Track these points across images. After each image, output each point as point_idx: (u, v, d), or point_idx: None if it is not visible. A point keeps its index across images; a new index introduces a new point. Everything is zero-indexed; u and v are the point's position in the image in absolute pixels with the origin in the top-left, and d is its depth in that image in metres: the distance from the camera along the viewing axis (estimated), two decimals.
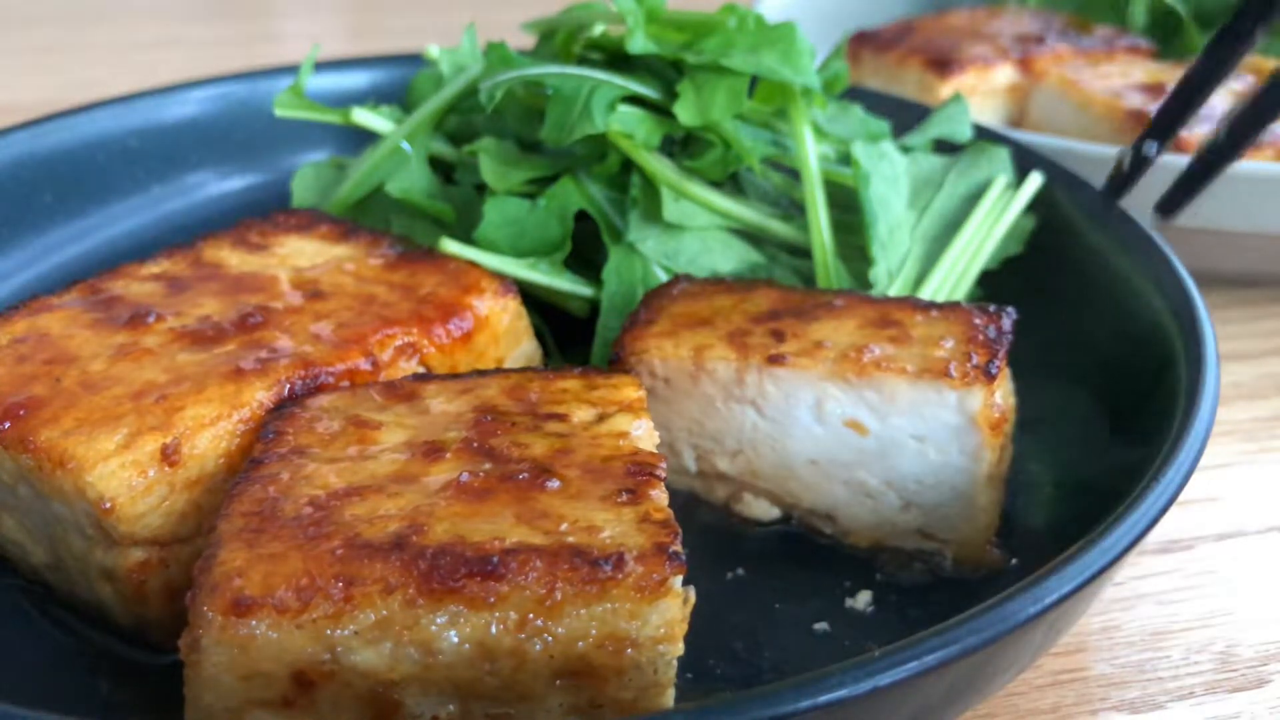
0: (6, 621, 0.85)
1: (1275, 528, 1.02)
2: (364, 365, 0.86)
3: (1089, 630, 0.91)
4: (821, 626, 0.85)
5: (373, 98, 1.31)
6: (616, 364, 0.92)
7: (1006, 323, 0.91)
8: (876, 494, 0.90)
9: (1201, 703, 0.85)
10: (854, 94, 1.30)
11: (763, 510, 0.94)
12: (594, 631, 0.65)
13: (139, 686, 0.80)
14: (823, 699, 0.59)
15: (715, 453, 0.93)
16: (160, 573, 0.78)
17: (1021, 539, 0.92)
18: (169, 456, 0.77)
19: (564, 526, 0.68)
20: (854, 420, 0.88)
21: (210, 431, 0.79)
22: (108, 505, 0.75)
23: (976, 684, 0.70)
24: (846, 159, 1.14)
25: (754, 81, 1.11)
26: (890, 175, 1.12)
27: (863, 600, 0.87)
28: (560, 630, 0.64)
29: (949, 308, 0.93)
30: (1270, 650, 0.89)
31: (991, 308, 0.93)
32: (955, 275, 1.10)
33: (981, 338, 0.89)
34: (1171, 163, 1.29)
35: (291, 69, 1.35)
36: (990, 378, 0.85)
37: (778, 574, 0.90)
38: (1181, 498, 0.77)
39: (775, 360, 0.88)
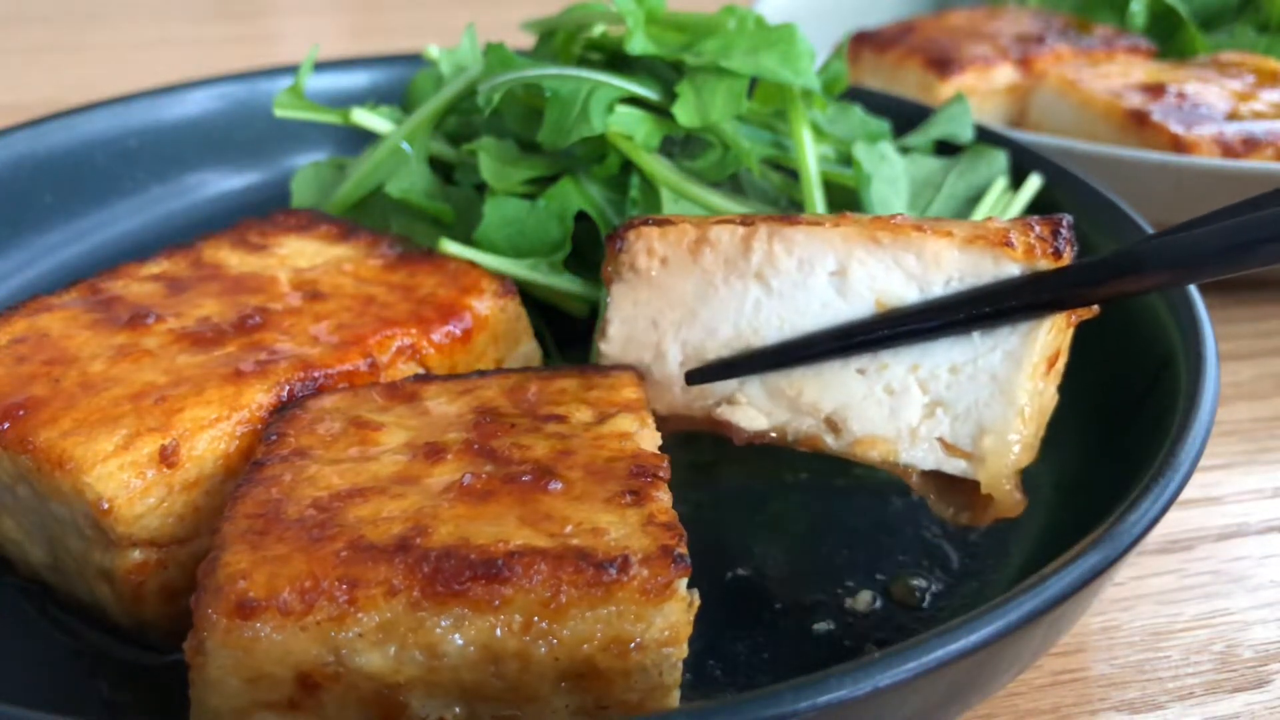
0: (5, 622, 0.85)
1: (1275, 528, 1.02)
2: (363, 366, 0.86)
3: (1089, 630, 0.91)
4: (821, 627, 0.85)
5: (372, 98, 1.31)
6: (614, 239, 0.86)
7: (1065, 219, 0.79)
8: (899, 389, 0.79)
9: (1201, 703, 0.85)
10: (855, 94, 1.30)
11: (749, 419, 0.83)
12: (599, 634, 0.65)
13: (138, 687, 0.80)
14: (822, 700, 0.59)
15: (707, 346, 0.84)
16: (158, 574, 0.78)
17: (1022, 539, 0.92)
18: (167, 458, 0.77)
19: (568, 529, 0.68)
20: (884, 291, 0.77)
21: (209, 433, 0.79)
22: (106, 506, 0.75)
23: (977, 684, 0.70)
24: (846, 159, 1.14)
25: (754, 81, 1.11)
26: (890, 176, 1.12)
27: (863, 600, 0.87)
28: (565, 633, 0.64)
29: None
30: (1270, 650, 0.89)
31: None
32: None
33: (1035, 217, 0.78)
34: (1173, 163, 1.30)
35: (291, 69, 1.35)
36: (1058, 254, 0.74)
37: (777, 575, 0.90)
38: (1181, 498, 0.77)
39: (787, 221, 0.78)
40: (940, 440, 0.79)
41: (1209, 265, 0.71)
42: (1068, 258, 0.75)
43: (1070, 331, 0.79)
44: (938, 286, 0.75)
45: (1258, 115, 1.46)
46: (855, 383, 0.79)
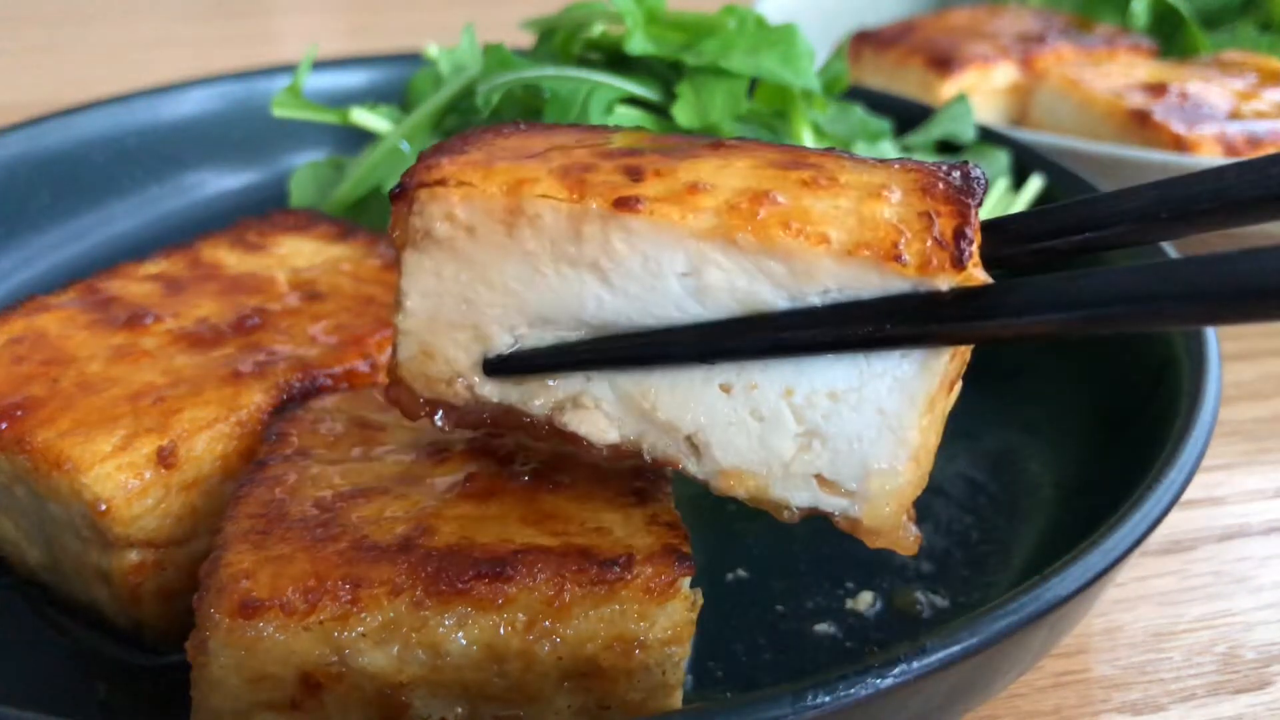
0: (3, 622, 0.84)
1: (1277, 528, 1.02)
2: (362, 367, 0.86)
3: (1091, 631, 0.91)
4: (823, 628, 0.85)
5: (371, 97, 1.31)
6: (400, 197, 0.67)
7: (976, 173, 0.65)
8: (769, 415, 0.65)
9: (1204, 704, 0.84)
10: (856, 93, 1.30)
11: (597, 428, 0.69)
12: (602, 633, 0.65)
13: (135, 688, 0.80)
14: (823, 701, 0.58)
15: (545, 338, 0.69)
16: (155, 575, 0.78)
17: (1023, 540, 0.91)
18: (165, 459, 0.77)
19: (571, 528, 0.67)
20: (748, 300, 0.64)
21: (207, 434, 0.79)
22: (103, 507, 0.74)
23: (978, 685, 0.70)
24: None
25: (754, 82, 1.11)
26: None
27: (864, 602, 0.87)
28: (569, 632, 0.64)
29: (891, 160, 0.68)
30: (1273, 651, 0.89)
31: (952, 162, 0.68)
32: None
33: (942, 187, 0.63)
34: (1175, 162, 1.29)
35: (289, 68, 1.35)
36: (959, 264, 0.59)
37: (778, 576, 0.90)
38: (1183, 498, 0.77)
39: (624, 205, 0.63)
40: (818, 477, 0.66)
41: (1111, 310, 0.57)
42: (973, 267, 0.60)
43: (969, 348, 0.65)
44: (813, 297, 0.62)
45: (1260, 114, 1.46)
46: (719, 402, 0.66)
